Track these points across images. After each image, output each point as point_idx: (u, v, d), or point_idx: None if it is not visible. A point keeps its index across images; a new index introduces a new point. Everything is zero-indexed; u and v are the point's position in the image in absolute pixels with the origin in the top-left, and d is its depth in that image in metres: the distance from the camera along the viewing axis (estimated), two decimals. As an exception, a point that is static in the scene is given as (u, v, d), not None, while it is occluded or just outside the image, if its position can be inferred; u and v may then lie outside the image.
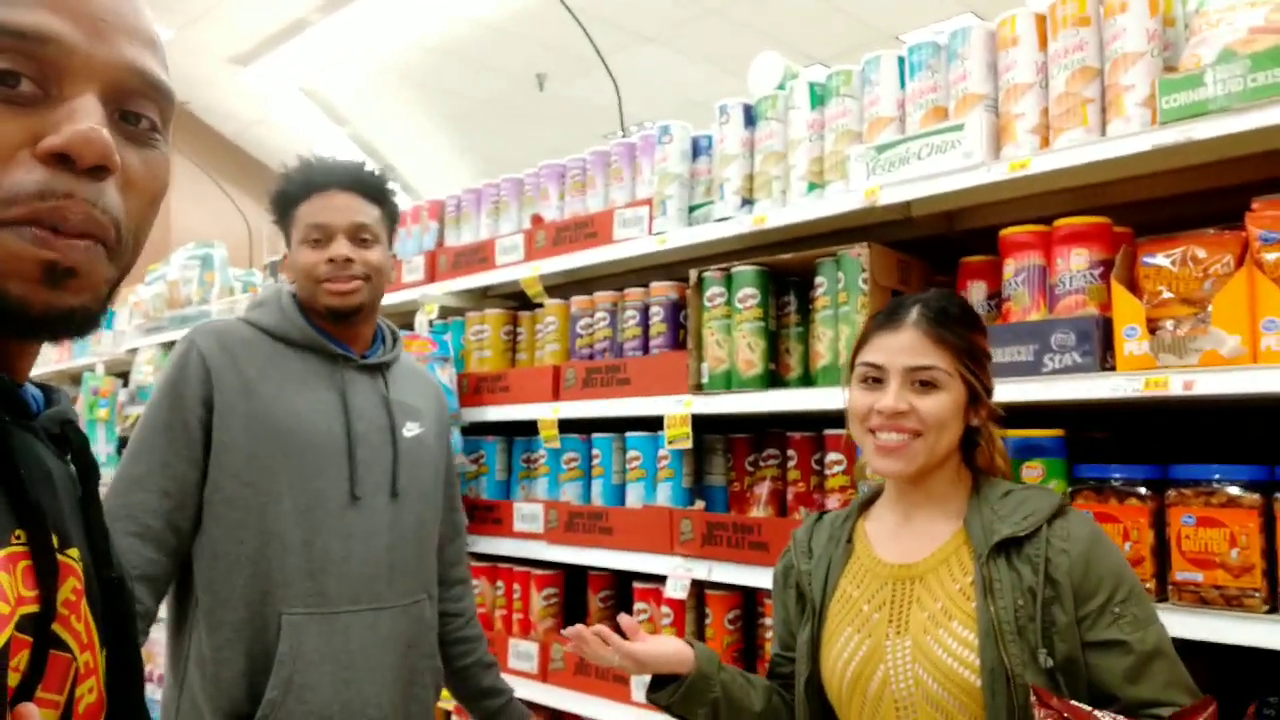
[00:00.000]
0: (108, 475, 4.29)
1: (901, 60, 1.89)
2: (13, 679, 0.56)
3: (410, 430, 1.82)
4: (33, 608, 0.58)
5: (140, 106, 0.66)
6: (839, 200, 1.92)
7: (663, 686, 1.41)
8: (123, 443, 4.64)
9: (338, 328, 1.79)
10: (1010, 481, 1.40)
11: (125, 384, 4.70)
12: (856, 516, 1.46)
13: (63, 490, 0.65)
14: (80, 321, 0.62)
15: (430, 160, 7.48)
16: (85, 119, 0.60)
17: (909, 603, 1.32)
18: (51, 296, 0.60)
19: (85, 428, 4.59)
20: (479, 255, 2.70)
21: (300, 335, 1.75)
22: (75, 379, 5.12)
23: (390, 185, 1.88)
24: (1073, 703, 1.14)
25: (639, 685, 2.23)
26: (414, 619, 1.77)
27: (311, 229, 1.75)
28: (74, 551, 0.64)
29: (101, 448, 4.61)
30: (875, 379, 1.36)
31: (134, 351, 4.65)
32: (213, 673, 1.61)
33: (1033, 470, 1.65)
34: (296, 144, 7.98)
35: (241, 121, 8.08)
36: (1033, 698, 1.14)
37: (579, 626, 1.44)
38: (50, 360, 5.35)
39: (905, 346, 1.33)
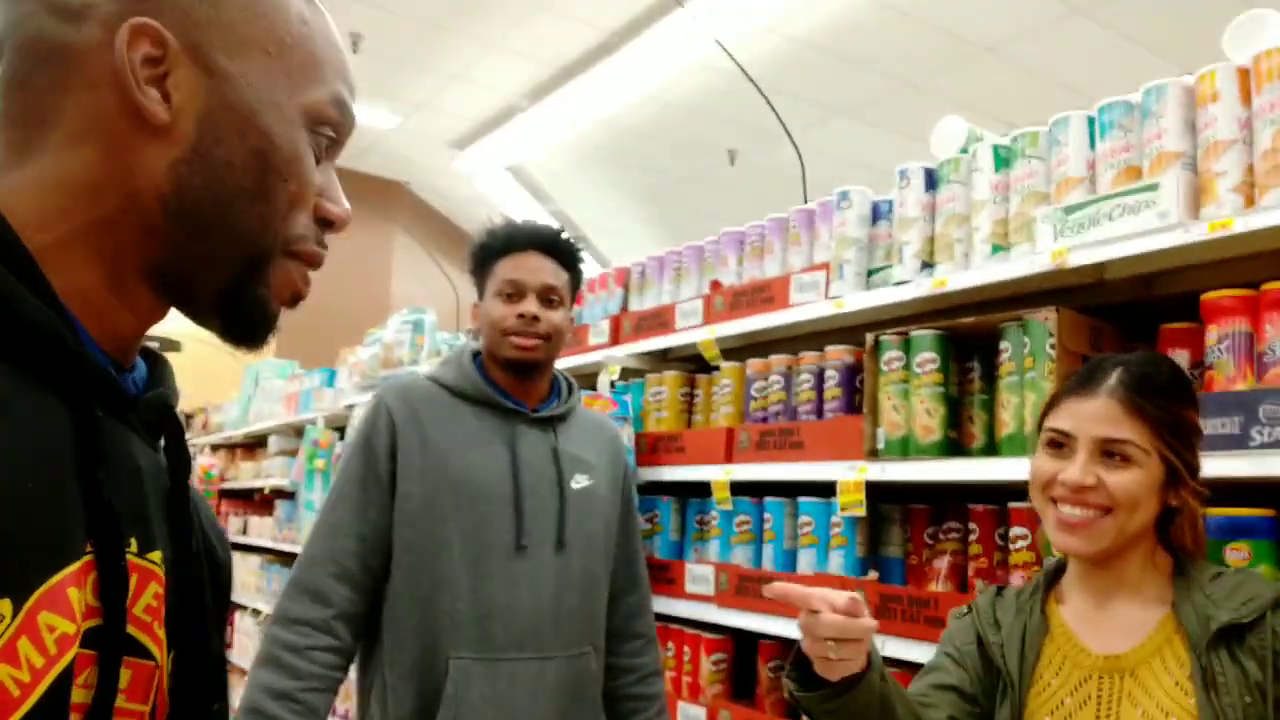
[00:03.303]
0: (311, 519, 4.61)
1: (1091, 120, 1.83)
2: (82, 695, 0.55)
3: (579, 482, 1.87)
4: (96, 620, 0.57)
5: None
6: (1024, 262, 1.86)
7: (816, 684, 1.18)
8: (335, 492, 5.01)
9: (514, 381, 1.89)
10: (1212, 564, 1.29)
11: (342, 437, 5.10)
12: (1045, 594, 1.34)
13: (151, 486, 0.64)
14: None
15: (623, 233, 7.78)
16: (341, 192, 0.72)
17: (1119, 698, 1.20)
18: (279, 316, 0.72)
19: (304, 477, 4.96)
20: (660, 319, 2.79)
21: (476, 391, 1.86)
22: (298, 431, 5.59)
23: (580, 252, 1.99)
24: None
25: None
26: (579, 671, 1.81)
27: (506, 284, 1.87)
28: (156, 555, 0.62)
29: (317, 495, 5.00)
30: (1061, 445, 1.26)
31: (351, 407, 5.06)
32: (390, 708, 1.71)
33: (1238, 552, 1.51)
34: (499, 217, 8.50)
35: (454, 199, 8.72)
36: None
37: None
38: (279, 415, 5.88)
39: (1097, 415, 1.23)
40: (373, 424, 1.84)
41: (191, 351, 5.70)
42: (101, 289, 0.63)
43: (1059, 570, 1.37)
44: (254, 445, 6.60)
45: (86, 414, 0.58)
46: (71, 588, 0.54)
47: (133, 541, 0.60)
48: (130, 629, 0.59)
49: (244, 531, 6.08)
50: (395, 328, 5.05)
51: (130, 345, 0.67)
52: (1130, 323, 1.88)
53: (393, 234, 8.61)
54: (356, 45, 6.16)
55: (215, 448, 7.25)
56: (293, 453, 5.65)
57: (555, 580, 1.79)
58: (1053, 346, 1.80)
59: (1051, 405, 1.32)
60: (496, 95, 6.69)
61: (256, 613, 5.65)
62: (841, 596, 1.12)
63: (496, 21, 5.85)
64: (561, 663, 1.78)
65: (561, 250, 1.93)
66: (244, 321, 0.68)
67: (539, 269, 1.89)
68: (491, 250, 1.92)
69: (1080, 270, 1.79)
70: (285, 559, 5.49)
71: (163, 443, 0.68)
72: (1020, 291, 1.95)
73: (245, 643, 5.75)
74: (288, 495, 5.58)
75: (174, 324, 0.76)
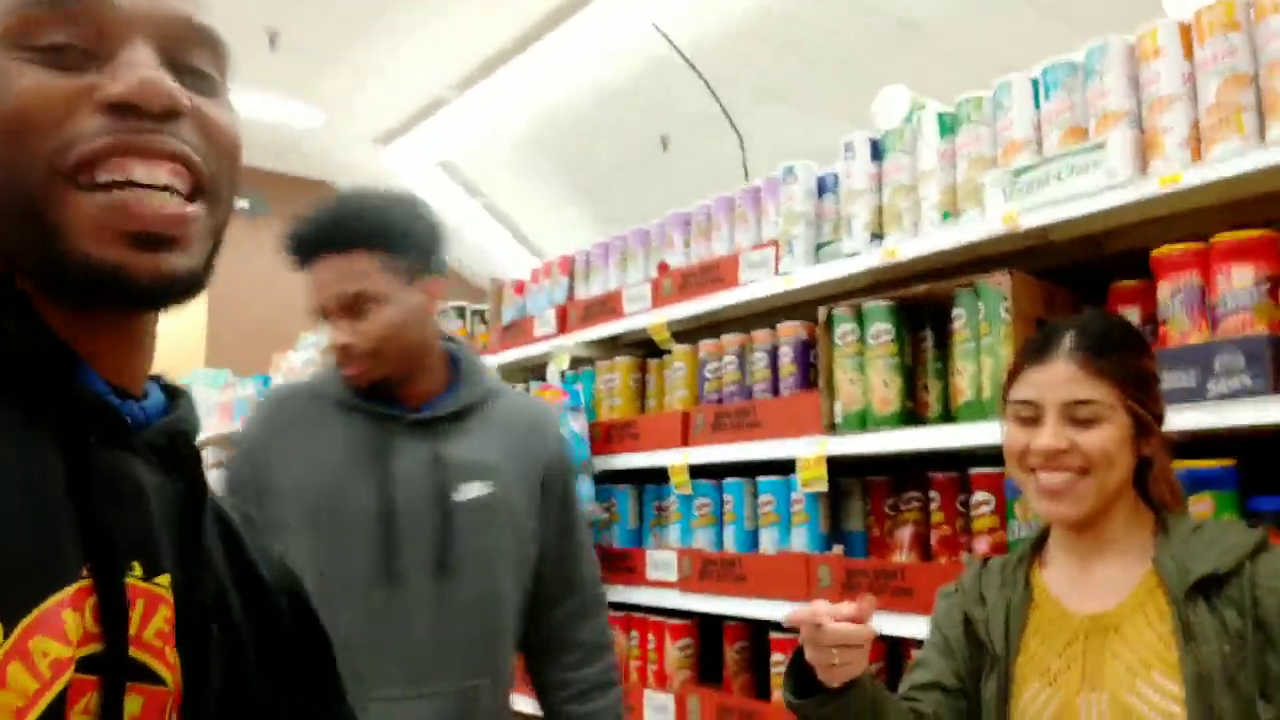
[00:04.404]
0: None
1: (1035, 82, 1.83)
2: None
3: (469, 493, 1.57)
4: (98, 646, 0.55)
5: (195, 58, 0.62)
6: (975, 227, 1.85)
7: (810, 692, 1.20)
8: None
9: (389, 384, 1.60)
10: (1194, 517, 1.30)
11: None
12: (1030, 561, 1.34)
13: (160, 510, 0.61)
14: (188, 285, 0.61)
15: (558, 225, 7.71)
16: (142, 67, 0.58)
17: (1103, 655, 1.20)
18: (156, 261, 0.58)
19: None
20: (607, 306, 2.74)
21: (340, 395, 1.59)
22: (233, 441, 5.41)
23: (394, 211, 1.59)
24: None
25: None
26: (467, 705, 1.56)
27: (314, 306, 1.56)
28: (164, 579, 0.60)
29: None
30: (1029, 415, 1.26)
31: (286, 414, 4.90)
32: None
33: (1201, 504, 1.52)
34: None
35: (384, 198, 8.54)
36: None
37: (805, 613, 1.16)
38: (212, 426, 5.69)
39: (1059, 379, 1.24)
40: (239, 441, 1.63)
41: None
42: (62, 317, 0.60)
43: (1043, 537, 1.36)
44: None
45: (78, 439, 0.57)
46: (67, 610, 0.53)
47: (136, 565, 0.58)
48: (139, 654, 0.57)
49: (181, 548, 5.86)
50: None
51: (125, 369, 0.64)
52: (1081, 283, 1.89)
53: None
54: (274, 42, 5.97)
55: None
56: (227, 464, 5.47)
57: (434, 609, 1.54)
58: (1007, 310, 1.80)
59: (1012, 377, 1.33)
60: (421, 88, 6.56)
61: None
62: (847, 605, 1.14)
63: (418, 11, 5.72)
64: (446, 699, 1.53)
65: (358, 232, 1.54)
66: (92, 285, 0.58)
67: (332, 280, 1.53)
68: (297, 265, 1.58)
69: (1029, 233, 1.79)
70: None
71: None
72: (971, 258, 1.95)
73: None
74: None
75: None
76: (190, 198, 0.60)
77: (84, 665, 0.54)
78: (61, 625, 0.53)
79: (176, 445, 0.65)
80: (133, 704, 0.56)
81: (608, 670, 1.73)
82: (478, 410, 1.65)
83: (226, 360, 6.59)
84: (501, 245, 8.37)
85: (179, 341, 7.63)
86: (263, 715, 0.69)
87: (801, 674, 1.20)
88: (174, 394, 0.69)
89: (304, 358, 4.95)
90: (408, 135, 7.07)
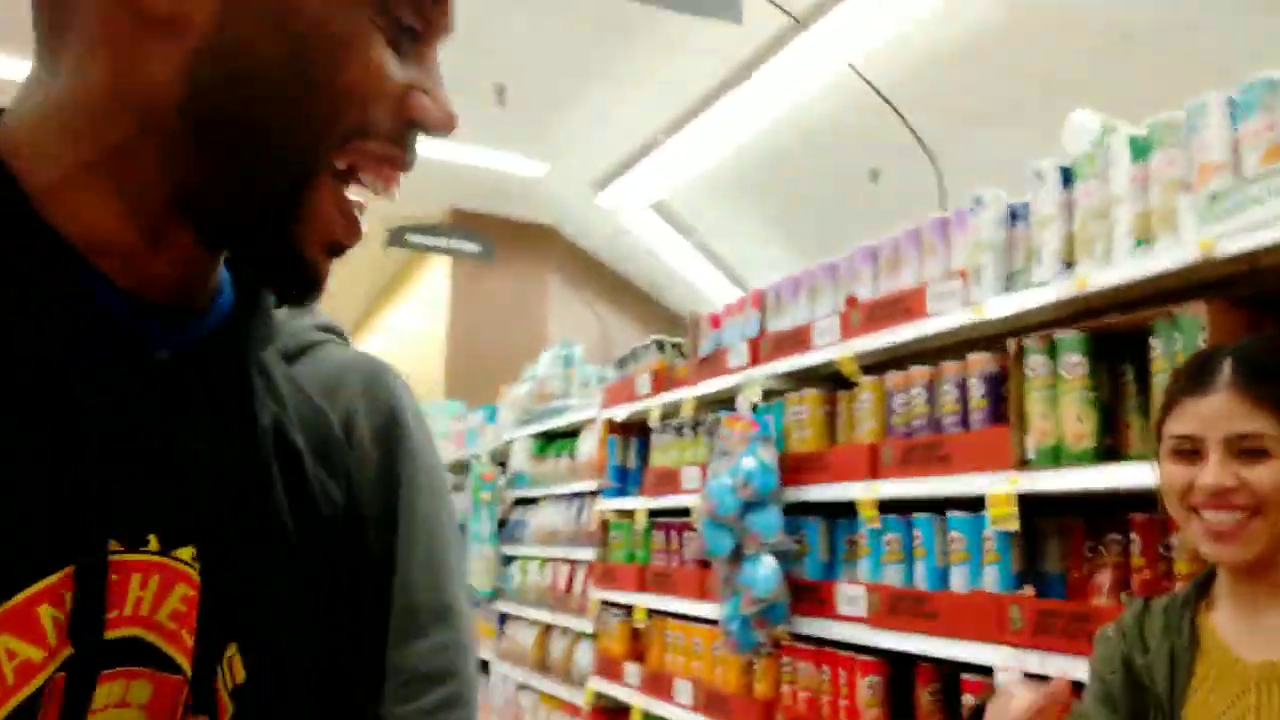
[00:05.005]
0: (480, 549, 4.62)
1: (1231, 101, 1.73)
2: None
3: None
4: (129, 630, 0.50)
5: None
6: (1170, 255, 1.77)
7: None
8: (502, 524, 5.23)
9: None
10: None
11: (504, 470, 5.31)
12: (1195, 604, 1.27)
13: (197, 464, 0.54)
14: (320, 291, 0.57)
15: (769, 260, 7.79)
16: (442, 88, 0.56)
17: (1278, 707, 1.13)
18: (327, 269, 0.56)
19: (472, 510, 5.02)
20: (797, 338, 2.79)
21: None
22: (464, 466, 5.87)
23: None
24: None
25: None
26: None
27: None
28: (186, 552, 0.53)
29: (484, 526, 5.22)
30: (1189, 450, 1.20)
31: (510, 442, 5.27)
32: None
33: None
34: (645, 253, 8.69)
35: (600, 237, 8.96)
36: None
37: None
38: (449, 452, 6.17)
39: (1220, 412, 1.17)
40: None
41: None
42: (125, 231, 0.52)
43: (1209, 578, 1.30)
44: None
45: (77, 387, 0.49)
46: (43, 606, 0.46)
47: (152, 538, 0.51)
48: (150, 636, 0.51)
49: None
50: (548, 363, 5.24)
51: (185, 291, 0.56)
52: (1295, 311, 1.75)
53: (546, 275, 8.93)
54: (501, 97, 6.48)
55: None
56: (457, 487, 5.92)
57: None
58: (1205, 342, 1.70)
59: (1167, 410, 1.26)
60: (635, 134, 6.87)
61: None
62: None
63: (631, 63, 6.03)
64: None
65: None
66: (279, 268, 0.55)
67: None
68: None
69: (1231, 260, 1.69)
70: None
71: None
72: (1168, 286, 1.85)
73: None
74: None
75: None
76: None
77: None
78: (36, 622, 0.46)
79: (221, 371, 0.57)
80: (141, 692, 0.51)
81: (435, 711, 1.22)
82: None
83: (462, 393, 7.17)
84: (712, 281, 8.56)
85: (424, 376, 8.36)
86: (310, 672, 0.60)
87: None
88: (248, 299, 0.60)
89: (525, 389, 5.29)
90: (622, 179, 7.42)
